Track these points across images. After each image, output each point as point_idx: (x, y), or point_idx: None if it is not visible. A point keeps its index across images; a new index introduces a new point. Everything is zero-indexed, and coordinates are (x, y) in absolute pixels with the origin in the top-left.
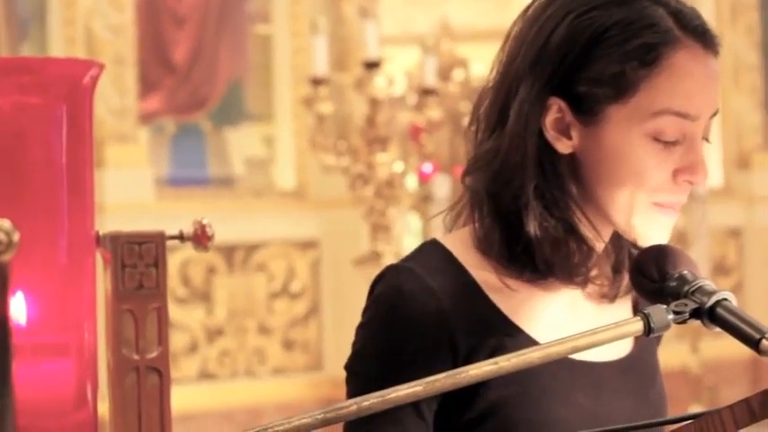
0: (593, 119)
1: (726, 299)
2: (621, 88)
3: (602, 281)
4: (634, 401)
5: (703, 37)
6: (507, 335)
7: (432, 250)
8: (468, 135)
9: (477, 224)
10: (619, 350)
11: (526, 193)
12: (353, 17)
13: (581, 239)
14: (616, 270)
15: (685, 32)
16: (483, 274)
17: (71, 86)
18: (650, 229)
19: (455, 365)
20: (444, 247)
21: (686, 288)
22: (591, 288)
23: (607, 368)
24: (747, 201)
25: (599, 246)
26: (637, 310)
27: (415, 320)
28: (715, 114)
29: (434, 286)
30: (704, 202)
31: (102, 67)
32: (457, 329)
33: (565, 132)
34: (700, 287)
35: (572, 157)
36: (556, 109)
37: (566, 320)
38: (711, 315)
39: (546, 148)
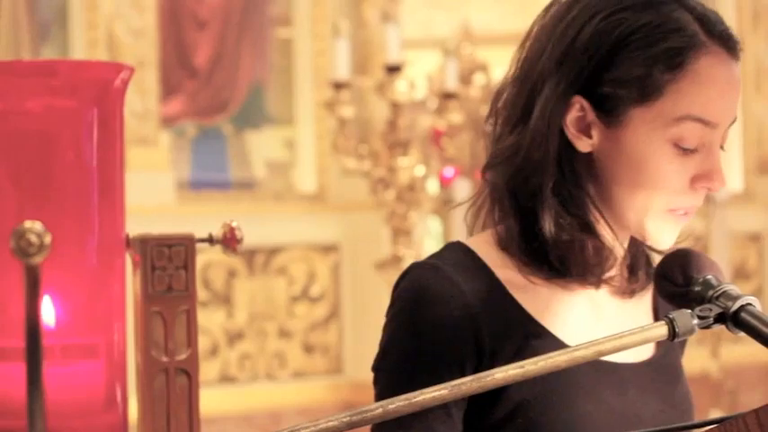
0: (615, 120)
1: (750, 303)
2: (646, 91)
3: (618, 281)
4: (658, 402)
5: (728, 42)
6: (531, 333)
7: (456, 250)
8: (487, 129)
9: (496, 218)
10: (643, 352)
11: (544, 191)
12: (375, 21)
13: (597, 238)
14: (632, 270)
15: (711, 37)
16: (506, 272)
17: (102, 89)
18: (663, 233)
19: (480, 362)
20: (468, 248)
21: (711, 293)
22: (613, 286)
23: (632, 369)
24: None
25: (616, 246)
26: (656, 305)
27: (441, 316)
28: (733, 123)
29: (460, 282)
30: (725, 207)
31: (132, 70)
32: (482, 326)
33: (585, 131)
34: (724, 292)
35: (590, 156)
36: (578, 107)
37: (588, 318)
38: (736, 320)
39: (566, 146)
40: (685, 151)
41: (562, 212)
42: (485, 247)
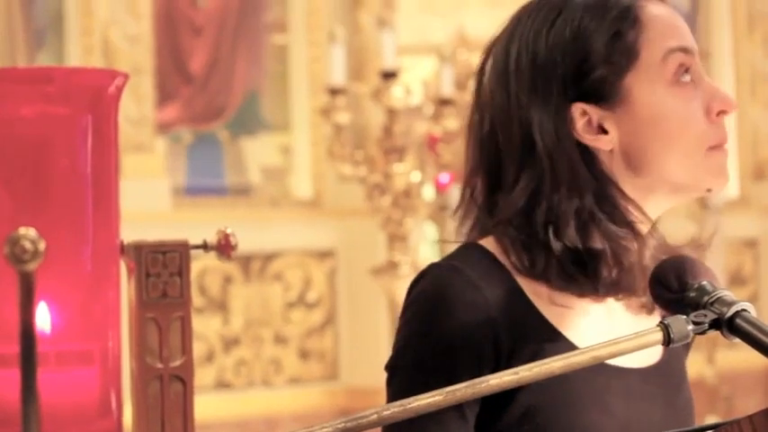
0: (617, 100)
1: (745, 309)
2: (626, 55)
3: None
4: (663, 408)
5: None
6: (548, 339)
7: (475, 251)
8: (471, 193)
9: (525, 257)
10: (649, 357)
11: (588, 208)
12: (371, 27)
13: (641, 240)
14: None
15: None
16: (525, 279)
17: (96, 96)
18: (719, 173)
19: (497, 364)
20: (487, 250)
21: (706, 298)
22: (630, 300)
23: (638, 374)
24: (763, 211)
25: (651, 243)
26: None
27: (461, 320)
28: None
29: (481, 284)
30: (720, 212)
31: (126, 77)
32: (501, 328)
33: (600, 130)
34: (719, 298)
35: (612, 153)
36: (580, 113)
37: (603, 328)
38: (731, 326)
39: (585, 156)
40: (685, 83)
41: (610, 225)
42: (502, 251)
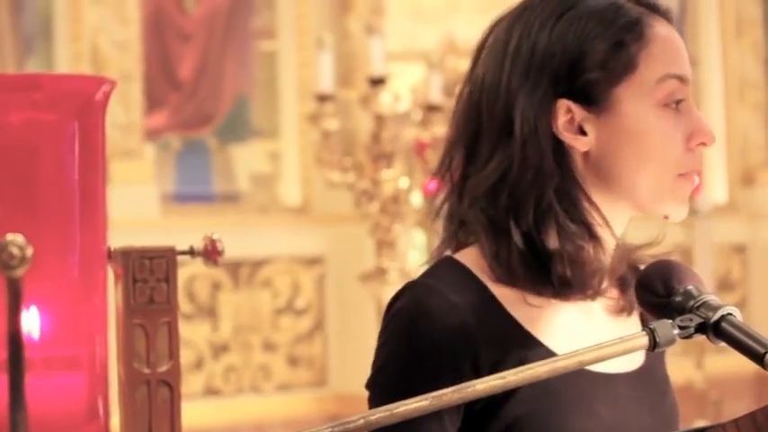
0: (603, 106)
1: (731, 314)
2: (624, 67)
3: (612, 294)
4: (649, 412)
5: (662, 11)
6: (528, 348)
7: (449, 266)
8: (450, 163)
9: (488, 247)
10: (632, 362)
11: (547, 201)
12: (359, 33)
13: (598, 242)
14: (623, 287)
15: (648, 9)
16: (499, 287)
17: (83, 102)
18: (682, 202)
19: (477, 376)
20: (461, 263)
21: (691, 303)
22: (608, 302)
23: (623, 379)
24: (752, 217)
25: (609, 247)
26: (643, 319)
27: (437, 334)
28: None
29: (456, 301)
30: (708, 218)
31: (114, 83)
32: (480, 344)
33: (579, 131)
34: (705, 302)
35: (587, 154)
36: (565, 110)
37: (583, 333)
38: (716, 330)
39: (559, 152)
40: (674, 110)
41: (567, 221)
42: (477, 262)
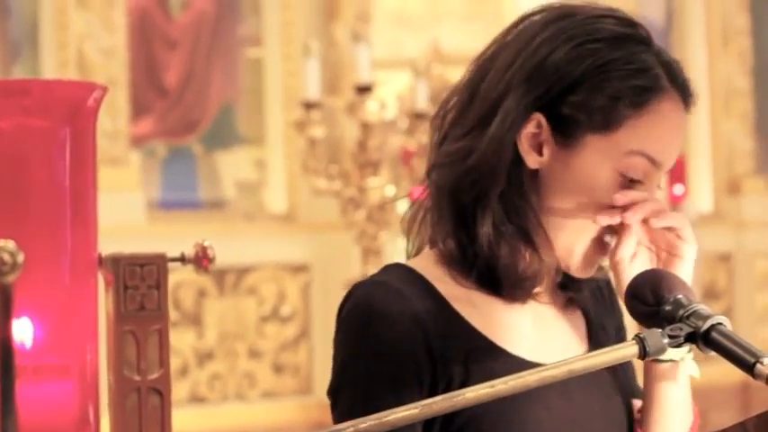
0: (569, 142)
1: (721, 323)
2: (607, 121)
3: (545, 298)
4: (600, 398)
5: (686, 92)
6: (476, 346)
7: (395, 268)
8: (434, 124)
9: (432, 219)
10: (574, 350)
11: (490, 196)
12: (345, 41)
13: (534, 248)
14: (564, 285)
15: (673, 84)
16: (447, 287)
17: (74, 109)
18: (589, 262)
19: (434, 368)
20: (407, 266)
21: (681, 312)
22: (551, 300)
23: None
24: (737, 226)
25: (550, 261)
26: (587, 315)
27: (393, 330)
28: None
29: (406, 293)
30: (694, 227)
31: (105, 89)
32: (431, 332)
33: (537, 148)
34: (695, 311)
35: (536, 173)
36: (535, 124)
37: (530, 328)
38: (706, 339)
39: (518, 158)
40: (629, 182)
41: (504, 219)
42: (424, 264)
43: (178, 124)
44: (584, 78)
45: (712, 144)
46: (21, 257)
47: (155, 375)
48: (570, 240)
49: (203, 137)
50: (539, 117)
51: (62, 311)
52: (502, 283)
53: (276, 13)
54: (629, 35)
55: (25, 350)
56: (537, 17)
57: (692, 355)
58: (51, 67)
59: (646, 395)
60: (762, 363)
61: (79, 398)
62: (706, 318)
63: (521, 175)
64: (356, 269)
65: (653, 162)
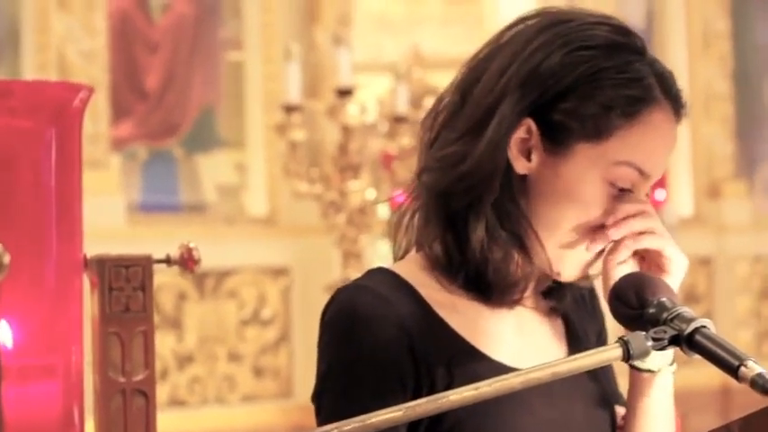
0: (558, 149)
1: (705, 326)
2: (597, 130)
3: (529, 302)
4: (583, 403)
5: (678, 104)
6: (458, 349)
7: (379, 273)
8: (425, 124)
9: (420, 222)
10: (558, 352)
11: (484, 202)
12: (326, 44)
13: (526, 253)
14: (549, 292)
15: (666, 95)
16: (430, 292)
17: (60, 110)
18: (578, 269)
19: (417, 372)
20: (391, 270)
21: (665, 315)
22: (535, 306)
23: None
24: (717, 230)
25: (538, 265)
26: (567, 321)
27: (376, 330)
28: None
29: (389, 297)
30: (674, 230)
31: (91, 90)
32: (414, 336)
33: (526, 154)
34: (679, 314)
35: (524, 178)
36: (525, 129)
37: (512, 333)
38: (690, 342)
39: (508, 163)
40: (615, 191)
41: (497, 225)
42: (408, 269)
43: (159, 127)
44: (577, 86)
45: (693, 148)
46: (6, 258)
47: (140, 377)
48: (561, 246)
49: (184, 140)
50: (529, 122)
51: (47, 313)
52: (492, 287)
53: (257, 17)
54: (624, 44)
55: (10, 351)
56: (532, 21)
57: (674, 367)
58: (32, 70)
59: (629, 404)
60: (746, 366)
61: (64, 399)
62: (690, 321)
63: (512, 181)
64: (337, 272)
65: (641, 173)
